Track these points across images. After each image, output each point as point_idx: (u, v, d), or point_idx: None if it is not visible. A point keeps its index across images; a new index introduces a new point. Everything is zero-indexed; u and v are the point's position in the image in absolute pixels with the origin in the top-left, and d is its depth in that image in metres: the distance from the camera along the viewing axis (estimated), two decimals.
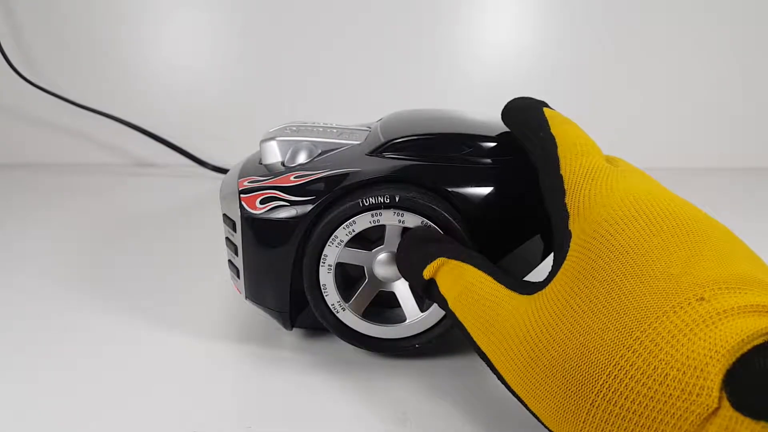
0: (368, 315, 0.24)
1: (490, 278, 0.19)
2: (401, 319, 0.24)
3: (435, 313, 0.24)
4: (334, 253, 0.23)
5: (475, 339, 0.18)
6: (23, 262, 0.39)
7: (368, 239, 0.24)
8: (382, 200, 0.22)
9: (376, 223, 0.23)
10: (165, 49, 0.70)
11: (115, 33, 0.69)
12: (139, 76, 0.70)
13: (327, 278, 0.23)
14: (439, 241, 0.22)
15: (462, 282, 0.19)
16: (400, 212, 0.22)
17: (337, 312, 0.24)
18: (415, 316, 0.24)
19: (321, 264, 0.23)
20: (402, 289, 0.24)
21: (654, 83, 0.71)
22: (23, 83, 0.67)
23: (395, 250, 0.23)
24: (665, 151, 0.72)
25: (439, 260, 0.20)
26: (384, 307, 0.25)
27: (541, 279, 0.18)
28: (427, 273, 0.21)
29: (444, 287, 0.20)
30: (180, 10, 0.68)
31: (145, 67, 0.70)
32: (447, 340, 0.24)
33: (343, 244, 0.23)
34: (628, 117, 0.72)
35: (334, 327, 0.24)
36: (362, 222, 0.23)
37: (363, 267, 0.24)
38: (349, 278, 0.25)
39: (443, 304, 0.20)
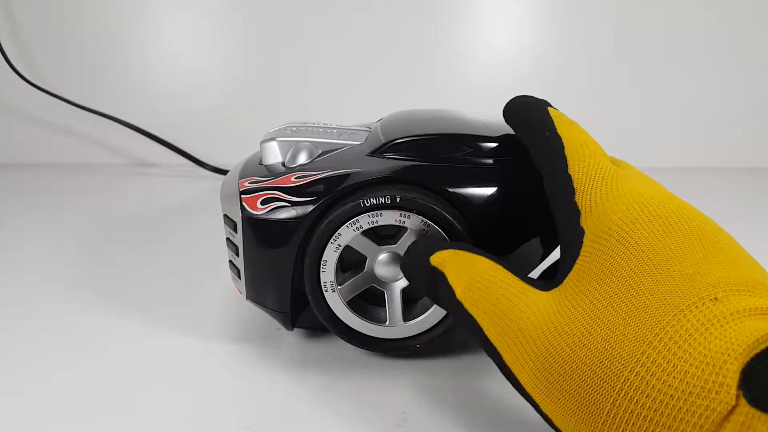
0: (365, 313, 0.24)
1: (505, 270, 0.18)
2: (405, 318, 0.24)
3: (419, 323, 0.24)
4: (349, 235, 0.23)
5: (485, 331, 0.17)
6: (23, 262, 0.39)
7: (380, 234, 0.24)
8: (383, 201, 0.22)
9: (401, 224, 0.23)
10: (165, 49, 0.70)
11: (115, 33, 0.69)
12: (139, 76, 0.70)
13: (331, 256, 0.23)
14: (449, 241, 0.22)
15: (474, 270, 0.19)
16: (426, 222, 0.22)
17: (326, 291, 0.24)
18: (395, 323, 0.24)
19: (332, 241, 0.23)
20: (393, 293, 0.24)
21: (654, 83, 0.71)
22: (23, 83, 0.67)
23: (400, 254, 0.23)
24: (665, 151, 0.73)
25: (449, 250, 0.20)
26: (384, 307, 0.25)
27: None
28: (435, 259, 0.20)
29: (453, 276, 0.19)
30: (180, 10, 0.68)
31: (145, 67, 0.70)
32: (447, 340, 0.24)
33: (361, 230, 0.23)
34: (628, 117, 0.72)
35: (335, 327, 0.24)
36: (388, 217, 0.23)
37: (366, 259, 0.24)
38: (347, 268, 0.25)
39: (449, 294, 0.19)
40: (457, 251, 0.20)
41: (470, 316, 0.18)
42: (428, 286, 0.20)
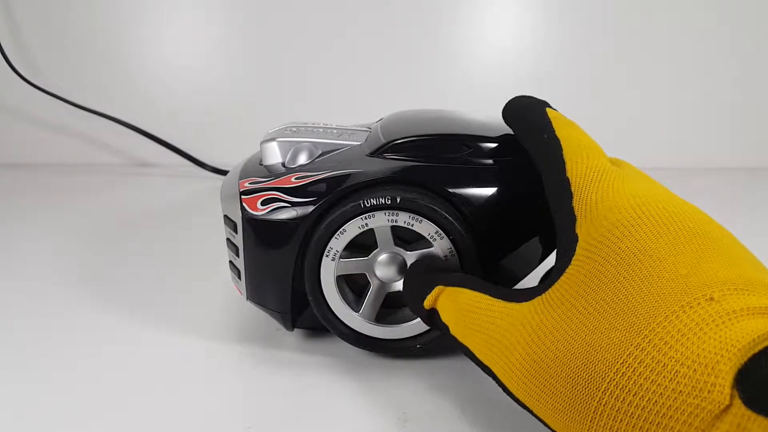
0: (345, 296, 0.24)
1: (485, 296, 0.19)
2: (405, 319, 0.24)
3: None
4: (381, 221, 0.23)
5: (478, 356, 0.19)
6: (23, 262, 0.39)
7: (397, 235, 0.24)
8: (383, 201, 0.22)
9: (431, 239, 0.23)
10: (165, 49, 0.70)
11: (115, 33, 0.69)
12: (139, 77, 0.70)
13: (353, 230, 0.23)
14: (437, 270, 0.22)
15: (459, 305, 0.20)
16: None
17: (326, 256, 0.23)
18: (366, 317, 0.24)
19: (362, 218, 0.23)
20: (379, 291, 0.24)
21: (654, 83, 0.71)
22: (23, 83, 0.67)
23: (406, 261, 0.24)
24: (665, 151, 0.73)
25: (437, 289, 0.21)
26: (386, 308, 0.25)
27: (538, 280, 0.18)
28: (427, 303, 0.21)
29: (444, 314, 0.20)
30: (180, 10, 0.68)
31: (145, 67, 0.70)
32: (448, 340, 0.24)
33: (394, 223, 0.23)
34: (628, 117, 0.72)
35: (335, 327, 0.24)
36: (424, 228, 0.23)
37: (375, 249, 0.24)
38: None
39: (445, 330, 0.20)
40: (444, 288, 0.21)
41: (464, 345, 0.19)
42: (430, 323, 0.22)
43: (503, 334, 0.18)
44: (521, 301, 0.18)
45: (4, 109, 0.71)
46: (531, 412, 0.17)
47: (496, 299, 0.19)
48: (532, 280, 0.23)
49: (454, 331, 0.20)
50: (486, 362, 0.18)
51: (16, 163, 0.72)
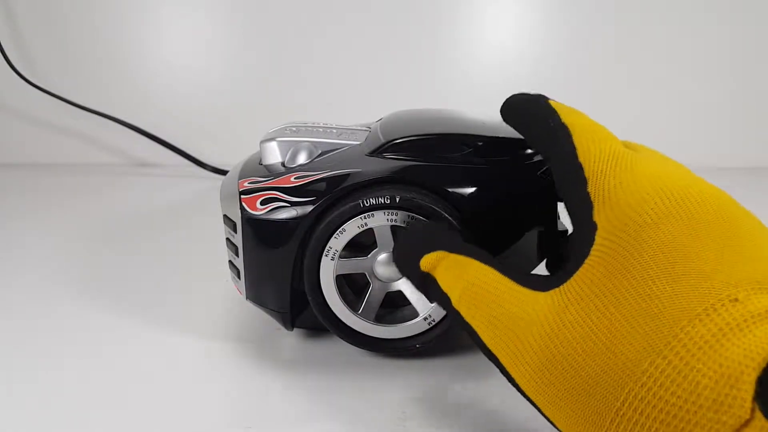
0: (345, 296, 0.24)
1: (497, 273, 0.18)
2: (405, 318, 0.24)
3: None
4: (380, 221, 0.23)
5: (483, 339, 0.17)
6: (23, 262, 0.39)
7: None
8: (382, 201, 0.22)
9: (399, 223, 0.23)
10: (165, 49, 0.70)
11: (115, 33, 0.69)
12: (139, 76, 0.70)
13: (353, 229, 0.23)
14: (441, 234, 0.21)
15: (466, 277, 0.18)
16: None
17: (325, 255, 0.23)
18: (366, 317, 0.24)
19: (361, 217, 0.23)
20: (379, 290, 0.24)
21: (654, 83, 0.71)
22: (23, 83, 0.67)
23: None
24: (665, 151, 0.72)
25: (439, 253, 0.19)
26: (386, 308, 0.25)
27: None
28: (424, 263, 0.19)
29: (445, 284, 0.18)
30: (180, 10, 0.68)
31: (145, 67, 0.70)
32: (447, 340, 0.24)
33: (393, 222, 0.23)
34: (628, 117, 0.72)
35: (334, 327, 0.24)
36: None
37: (375, 248, 0.24)
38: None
39: (444, 302, 0.18)
40: (447, 254, 0.19)
41: (467, 323, 0.18)
42: (421, 287, 0.20)
43: (516, 322, 0.16)
44: (537, 289, 0.17)
45: (4, 109, 0.71)
46: (536, 406, 0.16)
47: (509, 279, 0.17)
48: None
49: (458, 305, 0.18)
50: (492, 348, 0.17)
51: (16, 163, 0.72)
